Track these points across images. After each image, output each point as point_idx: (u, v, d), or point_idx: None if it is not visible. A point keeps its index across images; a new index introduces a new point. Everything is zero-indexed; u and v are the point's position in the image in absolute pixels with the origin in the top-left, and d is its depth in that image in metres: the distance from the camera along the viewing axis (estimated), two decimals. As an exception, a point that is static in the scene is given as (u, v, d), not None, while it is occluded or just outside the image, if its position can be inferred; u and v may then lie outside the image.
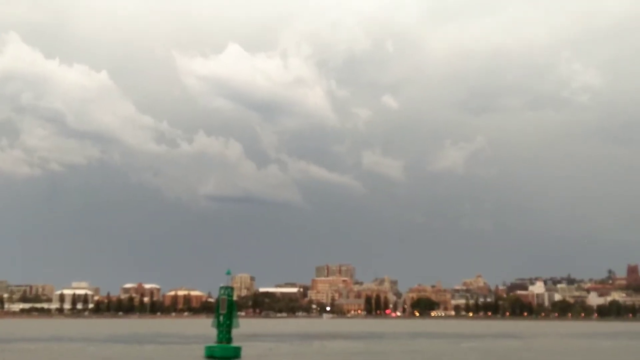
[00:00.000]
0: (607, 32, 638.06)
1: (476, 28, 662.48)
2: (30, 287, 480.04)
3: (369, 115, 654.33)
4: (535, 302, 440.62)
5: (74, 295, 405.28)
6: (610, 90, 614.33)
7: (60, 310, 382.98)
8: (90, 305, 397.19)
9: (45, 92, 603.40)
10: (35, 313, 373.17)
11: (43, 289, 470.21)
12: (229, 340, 64.75)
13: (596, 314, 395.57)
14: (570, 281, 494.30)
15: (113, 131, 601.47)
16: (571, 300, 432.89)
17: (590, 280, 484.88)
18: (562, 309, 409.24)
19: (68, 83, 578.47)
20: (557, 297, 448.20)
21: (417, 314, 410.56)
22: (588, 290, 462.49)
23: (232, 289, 66.80)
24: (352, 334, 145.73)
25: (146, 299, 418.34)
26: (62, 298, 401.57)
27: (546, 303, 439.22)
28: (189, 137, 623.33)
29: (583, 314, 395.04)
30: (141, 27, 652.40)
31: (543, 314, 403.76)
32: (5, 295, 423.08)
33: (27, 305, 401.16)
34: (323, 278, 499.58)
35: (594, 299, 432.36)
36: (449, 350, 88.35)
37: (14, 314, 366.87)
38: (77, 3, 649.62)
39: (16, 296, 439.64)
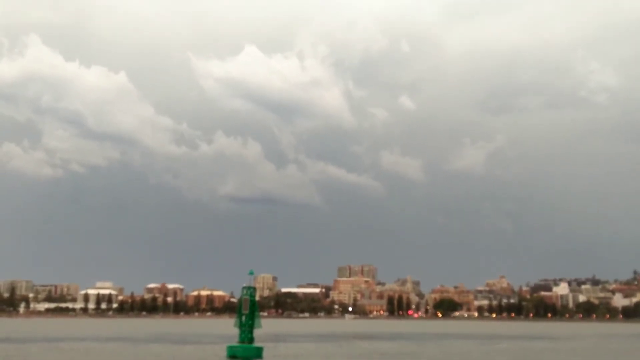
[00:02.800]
0: (624, 31, 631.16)
1: (493, 27, 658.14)
2: (55, 287, 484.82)
3: (387, 116, 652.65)
4: (559, 303, 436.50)
5: (98, 295, 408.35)
6: (628, 89, 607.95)
7: (84, 310, 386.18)
8: (115, 305, 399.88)
9: (65, 94, 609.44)
10: (60, 313, 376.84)
11: (68, 289, 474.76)
12: (251, 340, 64.84)
13: (621, 316, 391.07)
14: (595, 282, 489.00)
15: (133, 133, 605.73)
16: (596, 302, 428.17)
17: (615, 281, 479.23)
18: (587, 310, 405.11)
19: (87, 85, 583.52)
20: (582, 298, 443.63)
21: (440, 314, 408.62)
22: (613, 292, 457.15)
23: (254, 289, 66.91)
24: (378, 334, 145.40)
25: (169, 299, 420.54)
26: (86, 298, 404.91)
27: (570, 304, 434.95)
28: (208, 138, 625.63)
29: (608, 316, 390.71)
30: (159, 29, 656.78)
31: (567, 315, 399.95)
32: (31, 295, 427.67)
33: (52, 305, 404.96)
34: (345, 278, 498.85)
35: (619, 300, 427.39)
36: (482, 352, 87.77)
37: (39, 313, 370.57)
38: (96, 4, 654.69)
39: (41, 296, 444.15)
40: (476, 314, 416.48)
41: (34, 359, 70.15)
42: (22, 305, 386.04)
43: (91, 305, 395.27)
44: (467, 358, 75.75)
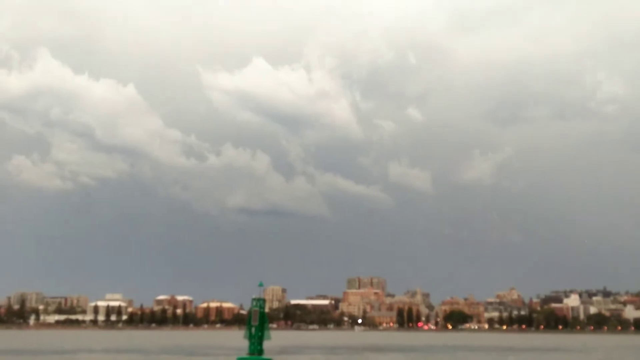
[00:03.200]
0: (632, 41, 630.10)
1: (501, 38, 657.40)
2: (65, 299, 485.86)
3: (395, 127, 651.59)
4: (570, 315, 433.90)
5: (107, 307, 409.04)
6: (637, 99, 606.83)
7: (94, 322, 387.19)
8: (124, 317, 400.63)
9: (74, 106, 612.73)
10: (69, 324, 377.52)
11: (78, 301, 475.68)
12: (261, 352, 64.68)
13: (633, 327, 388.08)
14: (606, 294, 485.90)
15: (141, 145, 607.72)
16: (607, 314, 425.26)
17: (627, 292, 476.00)
18: (598, 322, 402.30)
19: (96, 97, 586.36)
20: (593, 310, 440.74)
21: (450, 326, 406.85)
22: (624, 303, 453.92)
23: (263, 300, 66.78)
24: (388, 346, 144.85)
25: (179, 311, 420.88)
26: (96, 309, 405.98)
27: (581, 316, 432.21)
28: (216, 150, 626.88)
29: (620, 327, 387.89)
30: (167, 42, 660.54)
31: (578, 327, 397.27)
32: (41, 307, 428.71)
33: (62, 317, 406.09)
34: (354, 290, 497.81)
35: (630, 312, 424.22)
36: None
37: (49, 325, 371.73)
38: (105, 17, 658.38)
39: (51, 308, 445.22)
40: (486, 326, 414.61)
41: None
42: (32, 317, 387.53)
43: (101, 317, 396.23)
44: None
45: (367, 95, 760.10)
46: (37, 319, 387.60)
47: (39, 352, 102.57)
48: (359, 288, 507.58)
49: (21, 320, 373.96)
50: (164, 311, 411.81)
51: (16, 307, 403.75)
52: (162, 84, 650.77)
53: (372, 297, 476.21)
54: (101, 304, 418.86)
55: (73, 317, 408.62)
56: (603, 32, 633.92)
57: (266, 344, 66.38)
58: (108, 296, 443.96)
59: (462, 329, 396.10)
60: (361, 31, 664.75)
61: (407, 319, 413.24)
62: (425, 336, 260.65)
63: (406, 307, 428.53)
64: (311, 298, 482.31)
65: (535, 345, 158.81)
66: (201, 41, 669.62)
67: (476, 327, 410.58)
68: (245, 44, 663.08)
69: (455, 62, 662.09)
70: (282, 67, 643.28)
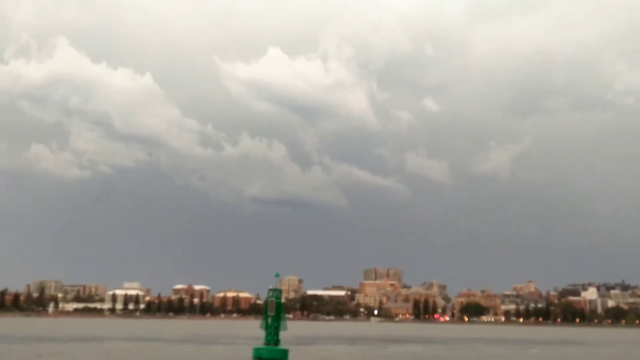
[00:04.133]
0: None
1: (520, 28, 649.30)
2: (84, 287, 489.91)
3: (412, 118, 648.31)
4: (587, 308, 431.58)
5: (125, 295, 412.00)
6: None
7: (112, 310, 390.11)
8: (142, 306, 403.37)
9: (92, 95, 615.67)
10: (88, 313, 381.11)
11: (96, 289, 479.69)
12: (277, 342, 65.13)
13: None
14: (625, 287, 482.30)
15: (159, 134, 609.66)
16: (625, 307, 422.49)
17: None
18: (616, 316, 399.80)
19: (114, 86, 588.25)
20: (611, 303, 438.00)
21: (466, 319, 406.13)
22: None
23: (280, 291, 67.18)
24: (405, 337, 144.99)
25: (196, 300, 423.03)
26: (114, 298, 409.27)
27: (599, 309, 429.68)
28: (233, 139, 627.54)
29: (638, 321, 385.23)
30: (184, 31, 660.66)
31: (596, 321, 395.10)
32: (60, 295, 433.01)
33: (80, 305, 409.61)
34: (371, 281, 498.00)
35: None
36: (517, 357, 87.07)
37: (67, 313, 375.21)
38: (123, 6, 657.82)
39: (70, 296, 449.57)
40: (503, 319, 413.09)
41: (67, 358, 71.18)
42: (51, 305, 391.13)
43: (119, 306, 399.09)
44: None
45: (384, 85, 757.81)
46: (56, 307, 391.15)
47: (58, 340, 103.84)
48: (375, 279, 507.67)
49: (40, 308, 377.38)
50: (181, 300, 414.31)
51: (35, 295, 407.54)
52: (179, 74, 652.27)
53: (389, 289, 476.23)
54: (119, 292, 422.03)
55: (91, 305, 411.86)
56: (624, 22, 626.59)
57: (282, 334, 66.84)
58: (126, 285, 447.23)
59: (478, 322, 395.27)
60: (378, 21, 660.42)
61: (423, 310, 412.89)
62: (442, 328, 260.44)
63: (422, 299, 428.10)
64: (327, 289, 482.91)
65: (553, 338, 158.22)
66: (218, 31, 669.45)
67: (492, 320, 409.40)
68: (262, 34, 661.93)
69: (473, 52, 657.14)
70: (299, 57, 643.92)
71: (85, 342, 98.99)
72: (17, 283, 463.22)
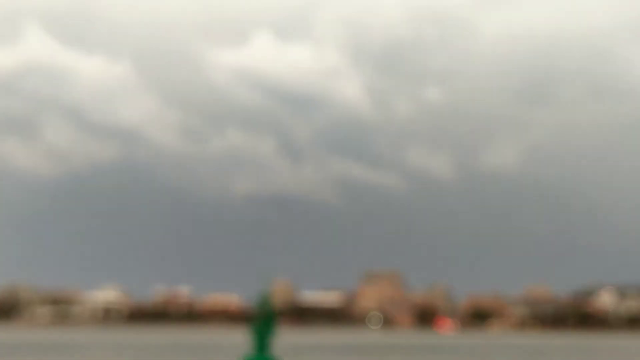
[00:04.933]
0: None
1: (530, 11, 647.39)
2: (59, 290, 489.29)
3: (412, 108, 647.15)
4: (604, 312, 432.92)
5: (104, 300, 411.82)
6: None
7: (89, 315, 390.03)
8: (122, 311, 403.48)
9: (64, 84, 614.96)
10: (65, 319, 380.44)
11: (73, 293, 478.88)
12: (267, 350, 64.97)
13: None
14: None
15: (137, 126, 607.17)
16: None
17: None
18: (633, 321, 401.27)
19: (88, 74, 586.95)
20: (629, 307, 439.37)
21: (473, 324, 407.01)
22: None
23: (270, 296, 67.09)
24: (405, 346, 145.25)
25: (180, 305, 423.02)
26: (91, 302, 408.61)
27: (616, 314, 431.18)
28: (218, 132, 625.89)
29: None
30: (164, 15, 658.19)
31: (612, 327, 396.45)
32: (34, 298, 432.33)
33: (55, 309, 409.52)
34: (370, 285, 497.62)
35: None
36: None
37: (42, 318, 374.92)
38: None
39: (44, 299, 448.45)
40: (513, 324, 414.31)
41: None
42: (25, 309, 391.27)
43: (97, 310, 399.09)
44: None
45: (383, 73, 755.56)
46: (30, 311, 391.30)
47: (34, 346, 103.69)
48: (374, 282, 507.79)
49: (13, 313, 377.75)
50: (163, 304, 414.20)
51: (7, 298, 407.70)
52: (159, 60, 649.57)
53: (389, 293, 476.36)
54: (97, 296, 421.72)
55: (67, 308, 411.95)
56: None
57: (273, 342, 66.73)
58: (104, 288, 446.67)
59: (486, 327, 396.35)
60: (376, 3, 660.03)
61: (426, 316, 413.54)
62: (446, 335, 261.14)
63: (425, 304, 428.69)
64: (322, 292, 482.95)
65: (562, 346, 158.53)
66: (201, 14, 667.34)
67: (501, 325, 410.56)
68: (249, 17, 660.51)
69: (479, 37, 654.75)
70: (289, 42, 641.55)
71: (62, 348, 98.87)
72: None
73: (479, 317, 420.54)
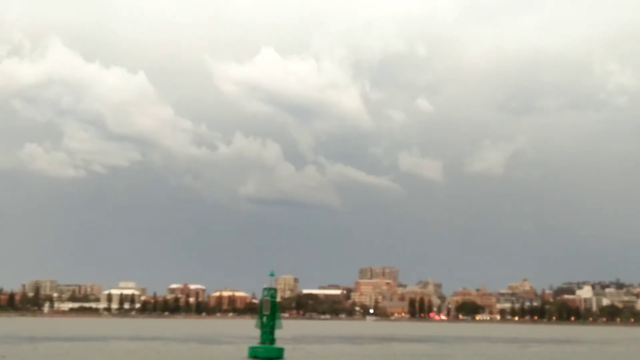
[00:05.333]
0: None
1: (513, 28, 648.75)
2: (79, 286, 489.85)
3: (405, 117, 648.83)
4: (582, 306, 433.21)
5: (121, 295, 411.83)
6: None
7: (108, 310, 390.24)
8: (137, 305, 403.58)
9: (85, 95, 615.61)
10: (83, 312, 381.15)
11: (91, 289, 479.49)
12: (273, 341, 65.86)
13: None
14: (619, 285, 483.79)
15: (153, 134, 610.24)
16: (620, 305, 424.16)
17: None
18: (611, 314, 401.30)
19: (107, 86, 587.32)
20: (605, 301, 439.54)
21: (462, 317, 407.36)
22: (637, 295, 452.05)
23: (275, 290, 67.90)
24: (401, 336, 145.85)
25: (192, 300, 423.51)
26: (109, 298, 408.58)
27: (594, 308, 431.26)
28: (227, 139, 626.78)
29: (632, 319, 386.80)
30: (177, 31, 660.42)
31: (591, 319, 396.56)
32: (55, 295, 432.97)
33: (75, 305, 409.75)
34: (366, 280, 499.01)
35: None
36: (518, 355, 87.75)
37: (63, 313, 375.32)
38: (116, 5, 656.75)
39: (65, 295, 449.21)
40: (498, 317, 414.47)
41: (76, 357, 71.81)
42: (47, 304, 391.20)
43: (114, 305, 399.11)
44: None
45: (377, 85, 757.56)
46: (52, 306, 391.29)
47: (54, 339, 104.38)
48: (371, 278, 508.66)
49: (35, 308, 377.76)
50: (176, 300, 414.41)
51: (30, 294, 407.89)
52: (172, 73, 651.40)
53: (384, 287, 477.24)
54: (115, 292, 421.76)
55: (87, 304, 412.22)
56: (616, 22, 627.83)
57: (278, 333, 67.59)
58: (121, 284, 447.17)
59: (473, 320, 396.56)
60: (371, 21, 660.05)
61: (418, 309, 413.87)
62: (438, 327, 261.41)
63: (418, 298, 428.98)
64: (323, 288, 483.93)
65: (551, 337, 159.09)
66: (211, 30, 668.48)
67: (488, 318, 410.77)
68: (255, 34, 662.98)
69: (466, 52, 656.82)
70: (292, 57, 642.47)
71: (86, 342, 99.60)
72: (12, 283, 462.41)
73: (467, 310, 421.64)
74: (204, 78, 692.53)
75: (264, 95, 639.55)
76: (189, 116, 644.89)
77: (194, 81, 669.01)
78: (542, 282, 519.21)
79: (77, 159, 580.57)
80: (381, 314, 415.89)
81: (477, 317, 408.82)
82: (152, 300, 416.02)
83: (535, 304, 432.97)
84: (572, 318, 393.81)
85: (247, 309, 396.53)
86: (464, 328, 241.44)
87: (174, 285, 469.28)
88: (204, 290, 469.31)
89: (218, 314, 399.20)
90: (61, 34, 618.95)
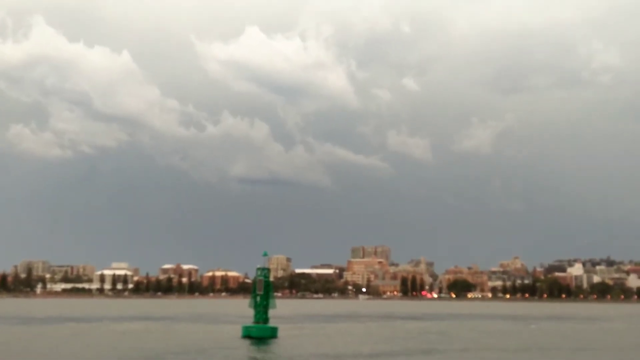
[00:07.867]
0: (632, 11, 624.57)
1: (501, 6, 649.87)
2: (72, 267, 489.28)
3: (392, 96, 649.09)
4: (573, 284, 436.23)
5: (114, 275, 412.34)
6: (635, 70, 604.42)
7: (100, 290, 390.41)
8: (130, 286, 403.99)
9: (70, 75, 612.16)
10: (76, 293, 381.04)
11: (84, 270, 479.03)
12: (266, 320, 65.83)
13: (636, 296, 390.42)
14: (610, 263, 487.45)
15: (139, 114, 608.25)
16: (610, 282, 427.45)
17: (630, 262, 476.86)
18: (601, 291, 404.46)
19: (92, 65, 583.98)
20: (596, 279, 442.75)
21: (454, 295, 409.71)
22: (628, 272, 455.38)
23: (268, 270, 67.75)
24: (394, 314, 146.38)
25: (184, 280, 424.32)
26: (102, 278, 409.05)
27: (585, 285, 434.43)
28: (214, 119, 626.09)
29: (622, 296, 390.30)
30: (161, 11, 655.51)
31: (581, 296, 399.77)
32: (48, 276, 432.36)
33: (68, 286, 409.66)
34: (359, 259, 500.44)
35: (633, 281, 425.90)
36: (520, 332, 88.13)
37: (56, 293, 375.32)
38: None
39: (58, 276, 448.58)
40: (490, 295, 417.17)
41: (57, 339, 71.62)
42: (39, 285, 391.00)
43: (107, 286, 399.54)
44: (503, 337, 75.93)
45: (364, 64, 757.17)
46: (44, 287, 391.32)
47: (47, 320, 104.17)
48: (363, 257, 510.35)
49: (28, 289, 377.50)
50: (169, 280, 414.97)
51: (23, 275, 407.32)
52: (157, 53, 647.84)
53: (376, 266, 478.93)
54: (107, 272, 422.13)
55: (79, 285, 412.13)
56: (604, 2, 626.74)
57: (271, 312, 67.59)
58: (114, 265, 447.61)
59: (466, 298, 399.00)
60: (357, 0, 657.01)
61: (411, 287, 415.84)
62: (430, 305, 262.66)
63: (410, 276, 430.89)
64: (315, 267, 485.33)
65: (545, 314, 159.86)
66: (196, 10, 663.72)
67: (480, 296, 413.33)
68: (239, 13, 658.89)
69: (454, 31, 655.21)
70: (277, 36, 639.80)
71: (73, 322, 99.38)
72: (3, 264, 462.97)
73: (459, 288, 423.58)
74: (190, 58, 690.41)
75: (250, 74, 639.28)
76: (176, 96, 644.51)
77: (179, 61, 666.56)
78: (533, 259, 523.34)
79: (64, 140, 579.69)
80: (373, 292, 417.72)
81: (469, 295, 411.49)
82: (145, 281, 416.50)
83: (526, 281, 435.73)
84: (563, 295, 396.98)
85: (239, 288, 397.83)
86: (456, 306, 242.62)
87: (166, 266, 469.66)
88: (196, 271, 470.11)
89: (211, 294, 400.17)
90: (45, 13, 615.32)
